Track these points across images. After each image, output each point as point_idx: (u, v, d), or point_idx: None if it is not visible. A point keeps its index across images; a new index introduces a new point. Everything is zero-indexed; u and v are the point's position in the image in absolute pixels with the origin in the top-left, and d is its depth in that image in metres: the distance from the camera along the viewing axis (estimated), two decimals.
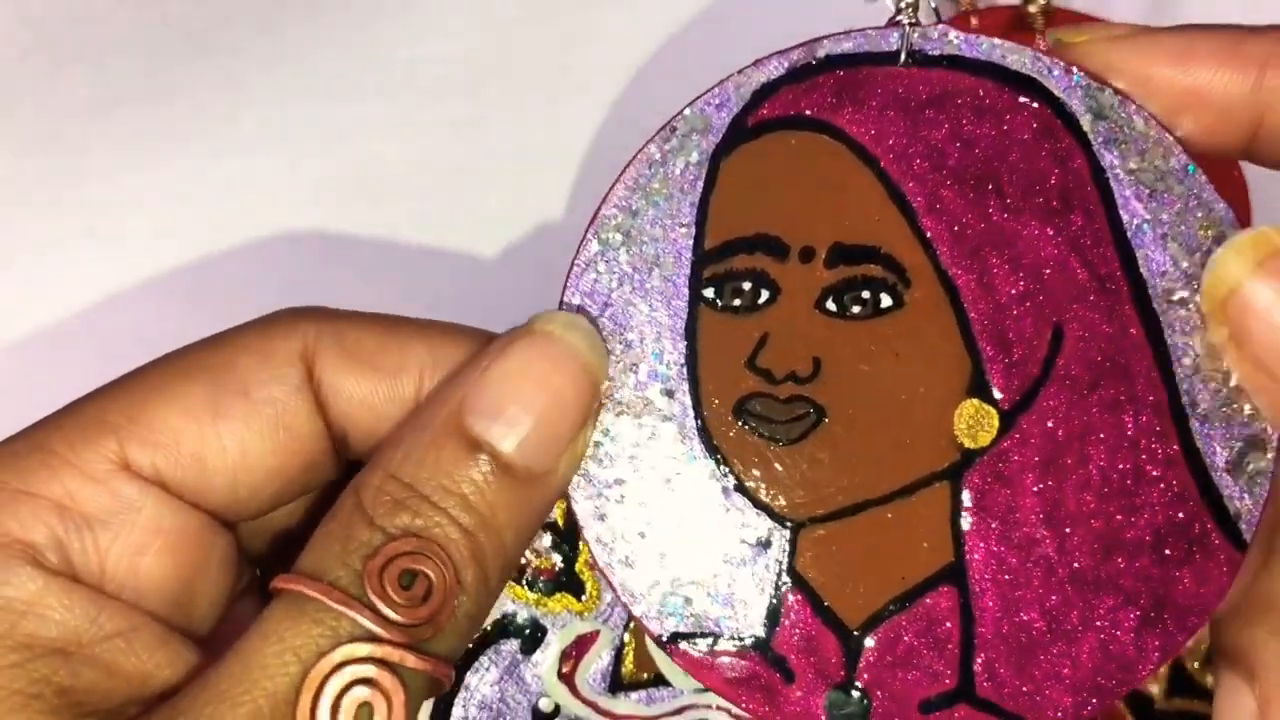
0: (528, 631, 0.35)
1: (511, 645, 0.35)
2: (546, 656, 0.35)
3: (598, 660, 0.35)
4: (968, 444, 0.26)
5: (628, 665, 0.35)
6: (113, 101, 0.42)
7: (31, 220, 0.41)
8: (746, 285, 0.26)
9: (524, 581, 0.34)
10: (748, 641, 0.26)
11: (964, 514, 0.26)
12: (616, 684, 0.36)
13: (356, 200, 0.41)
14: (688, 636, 0.26)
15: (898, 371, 0.26)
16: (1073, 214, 0.26)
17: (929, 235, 0.26)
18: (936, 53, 0.27)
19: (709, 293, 0.26)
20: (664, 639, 0.26)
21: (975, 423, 0.26)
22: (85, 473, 0.24)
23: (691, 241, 0.26)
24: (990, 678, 0.26)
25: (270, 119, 0.42)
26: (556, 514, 0.34)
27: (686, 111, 0.27)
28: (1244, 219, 0.41)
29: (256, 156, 0.41)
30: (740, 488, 0.26)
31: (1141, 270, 0.26)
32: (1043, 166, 0.26)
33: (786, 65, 0.27)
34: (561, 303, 0.26)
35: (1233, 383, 0.25)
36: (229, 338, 0.26)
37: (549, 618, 0.35)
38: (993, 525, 0.26)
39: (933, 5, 0.28)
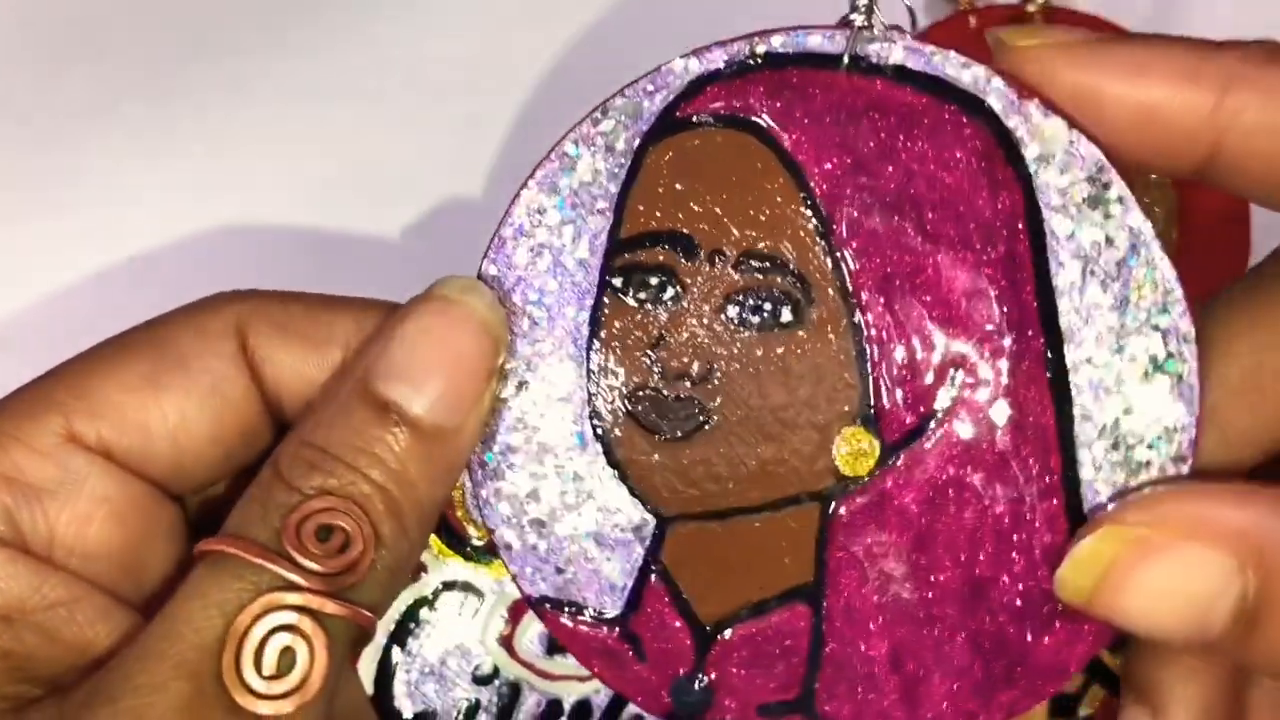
0: (467, 598, 0.36)
1: (452, 611, 0.37)
2: (485, 621, 0.37)
3: (535, 624, 0.36)
4: (845, 471, 0.26)
5: None
6: (113, 101, 0.42)
7: (31, 219, 0.42)
8: (653, 280, 0.26)
9: (463, 551, 0.36)
10: (607, 618, 0.27)
11: (829, 538, 0.26)
12: (554, 646, 0.37)
13: (357, 200, 0.42)
14: (555, 602, 0.27)
15: (787, 387, 0.26)
16: (997, 250, 0.25)
17: (841, 253, 0.25)
18: (880, 61, 0.25)
19: (617, 281, 0.27)
20: (532, 599, 0.28)
21: (855, 451, 0.26)
22: (32, 447, 0.26)
23: (608, 228, 0.27)
24: (830, 698, 0.26)
25: (270, 118, 0.42)
26: None
27: (619, 96, 0.26)
28: (1243, 229, 0.37)
29: (257, 156, 0.42)
30: (621, 474, 0.27)
31: (1061, 321, 0.25)
32: (975, 196, 0.25)
33: (725, 58, 0.26)
34: (479, 273, 0.27)
35: None
36: (168, 317, 0.28)
37: (487, 583, 0.37)
38: (856, 554, 0.26)
39: (906, 4, 0.27)
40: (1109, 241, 0.24)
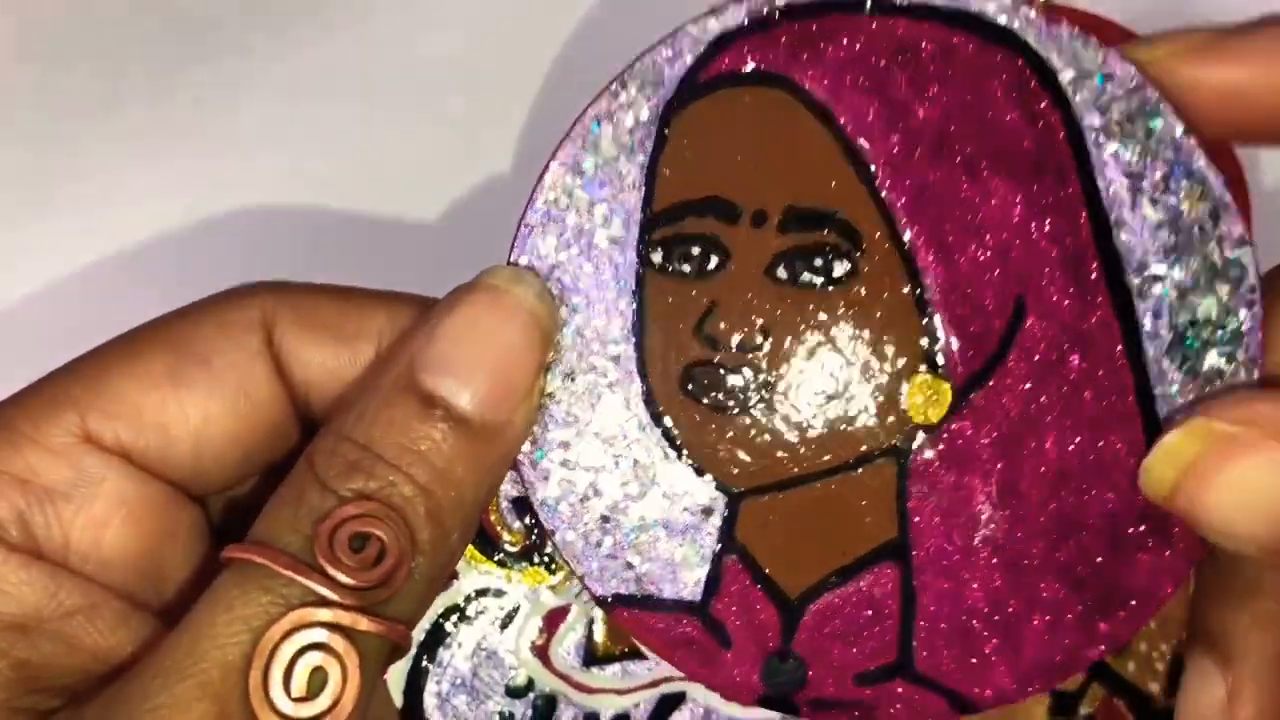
0: (501, 606, 0.35)
1: (485, 620, 0.35)
2: (519, 631, 0.35)
3: (572, 633, 0.35)
4: (918, 419, 0.25)
5: (602, 639, 0.35)
6: (113, 99, 0.42)
7: (31, 218, 0.41)
8: (695, 250, 0.25)
9: (496, 556, 0.35)
10: (687, 606, 0.26)
11: (910, 491, 0.25)
12: (590, 657, 0.36)
13: (358, 198, 0.41)
14: (628, 599, 0.26)
15: (848, 343, 0.25)
16: (1044, 178, 0.25)
17: (887, 200, 0.25)
18: (904, 1, 0.25)
19: (657, 256, 0.26)
20: (606, 600, 0.26)
21: (927, 398, 0.25)
22: (47, 447, 0.24)
23: (640, 203, 0.26)
24: (930, 654, 0.25)
25: (271, 117, 0.42)
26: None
27: (637, 64, 0.25)
28: (1242, 207, 0.37)
29: (257, 154, 0.41)
30: (683, 455, 0.26)
31: (1116, 243, 0.24)
32: (1014, 127, 0.25)
33: (744, 15, 0.25)
34: (509, 264, 0.26)
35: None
36: (188, 310, 0.26)
37: (522, 590, 0.35)
38: (939, 503, 0.25)
39: None
40: (1154, 156, 0.24)
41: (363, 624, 0.22)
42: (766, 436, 0.25)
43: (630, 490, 0.26)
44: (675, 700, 0.35)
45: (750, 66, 0.25)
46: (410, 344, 0.24)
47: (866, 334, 0.25)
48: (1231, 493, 0.23)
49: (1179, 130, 0.24)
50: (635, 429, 0.26)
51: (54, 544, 0.24)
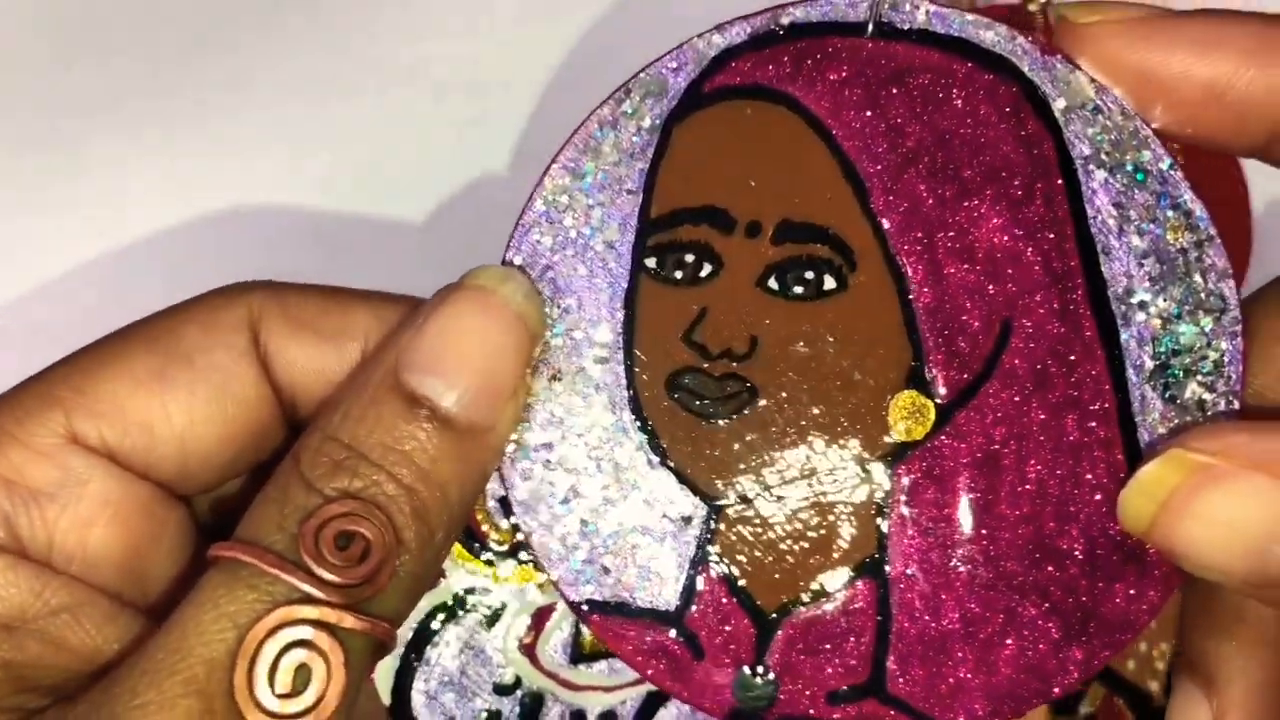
0: (488, 604, 0.35)
1: (471, 619, 0.35)
2: (507, 629, 0.35)
3: (558, 631, 0.35)
4: (901, 436, 0.25)
5: (588, 636, 0.35)
6: (115, 98, 0.42)
7: (33, 216, 0.41)
8: (689, 257, 0.26)
9: (484, 555, 0.35)
10: (661, 615, 0.26)
11: (890, 508, 0.25)
12: (578, 655, 0.35)
13: (358, 197, 0.41)
14: (602, 605, 0.26)
15: (835, 356, 0.25)
16: (1034, 204, 0.25)
17: (880, 217, 0.25)
18: (905, 26, 0.25)
19: (651, 262, 0.26)
20: (580, 605, 0.26)
21: (911, 415, 0.25)
22: (31, 447, 0.24)
23: (638, 208, 0.26)
24: (903, 675, 0.25)
25: (272, 116, 0.42)
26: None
27: (643, 74, 0.26)
28: (1243, 220, 0.38)
29: (258, 153, 0.41)
30: (666, 462, 0.26)
31: (1103, 268, 0.25)
32: (1007, 152, 0.25)
33: (749, 31, 0.26)
34: (504, 262, 0.26)
35: None
36: (174, 310, 0.26)
37: (509, 589, 0.35)
38: (919, 521, 0.25)
39: None
40: (1141, 185, 0.25)
41: (348, 621, 0.23)
42: (750, 447, 0.26)
43: (610, 494, 0.26)
44: (662, 697, 0.35)
45: (752, 80, 0.26)
46: (396, 343, 0.25)
47: (854, 349, 0.25)
48: (1205, 524, 0.22)
49: (1165, 163, 0.25)
50: (619, 433, 0.26)
51: (39, 544, 0.25)
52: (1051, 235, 0.25)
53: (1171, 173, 0.25)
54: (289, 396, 0.26)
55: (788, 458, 0.25)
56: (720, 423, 0.26)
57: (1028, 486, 0.25)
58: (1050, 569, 0.25)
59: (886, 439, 0.25)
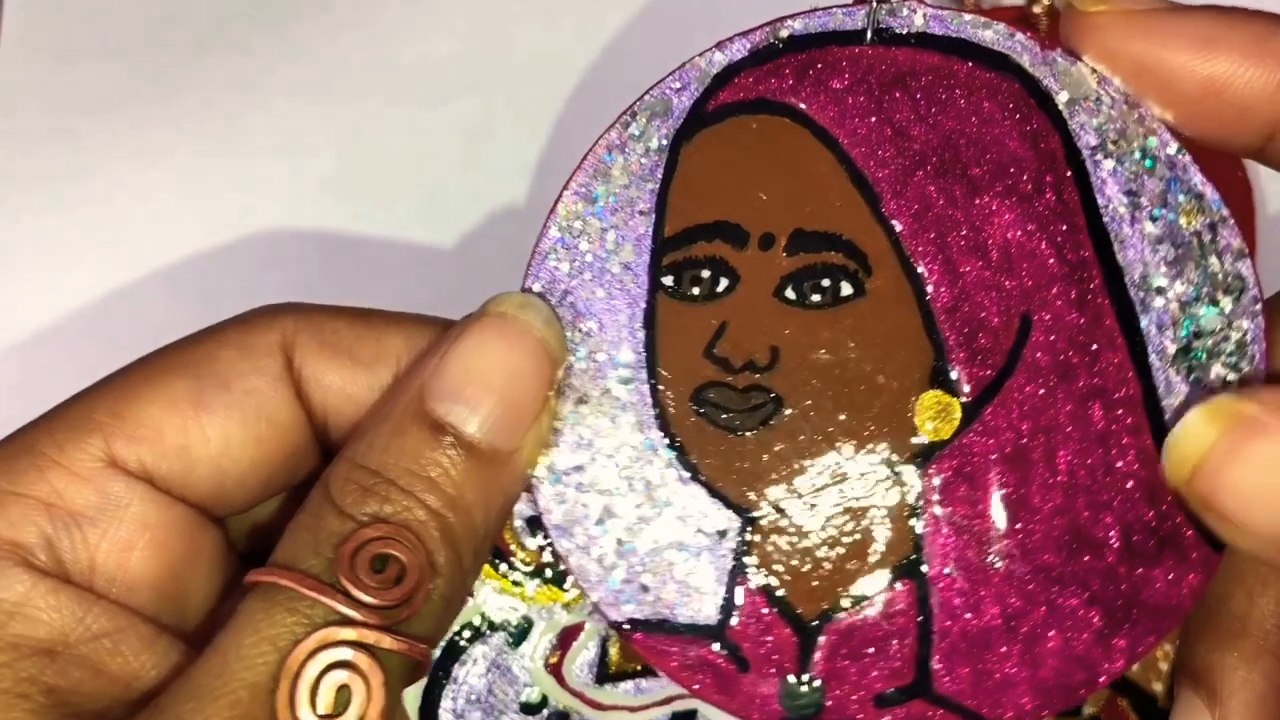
0: (514, 624, 0.35)
1: (499, 638, 0.35)
2: (533, 648, 0.35)
3: (585, 651, 0.35)
4: (929, 436, 0.25)
5: (615, 656, 0.35)
6: (118, 99, 0.42)
7: (36, 217, 0.42)
8: (705, 273, 0.26)
9: (511, 575, 0.35)
10: (703, 630, 0.26)
11: (923, 508, 0.25)
12: (604, 674, 0.36)
13: (361, 198, 0.41)
14: (643, 623, 0.26)
15: (858, 361, 0.26)
16: (1044, 197, 0.25)
17: (892, 221, 0.25)
18: (904, 30, 0.26)
19: (668, 280, 0.26)
20: (621, 625, 0.26)
21: (937, 415, 0.25)
22: (72, 471, 0.24)
23: (651, 228, 0.26)
24: (949, 674, 0.25)
25: (275, 117, 0.42)
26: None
27: (647, 96, 0.26)
28: (1248, 220, 0.38)
29: (261, 154, 0.42)
30: (697, 477, 0.26)
31: (1117, 257, 0.25)
32: (1014, 147, 0.25)
33: (749, 47, 0.26)
34: (523, 290, 0.27)
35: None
36: (209, 333, 0.26)
37: (535, 610, 0.35)
38: (953, 520, 0.25)
39: None
40: (1150, 172, 0.25)
41: (386, 642, 0.23)
42: (779, 456, 0.26)
43: (644, 512, 0.26)
44: (687, 718, 0.35)
45: (755, 95, 0.26)
46: (421, 371, 0.25)
47: (875, 353, 0.25)
48: (1250, 476, 0.22)
49: (1173, 148, 0.25)
50: (648, 451, 0.26)
51: (80, 568, 0.25)
52: (1064, 227, 0.25)
53: (1180, 157, 0.25)
54: (322, 419, 0.27)
55: (817, 465, 0.26)
56: (747, 435, 0.26)
57: (1059, 478, 0.25)
58: (1088, 559, 0.25)
59: (915, 440, 0.25)
